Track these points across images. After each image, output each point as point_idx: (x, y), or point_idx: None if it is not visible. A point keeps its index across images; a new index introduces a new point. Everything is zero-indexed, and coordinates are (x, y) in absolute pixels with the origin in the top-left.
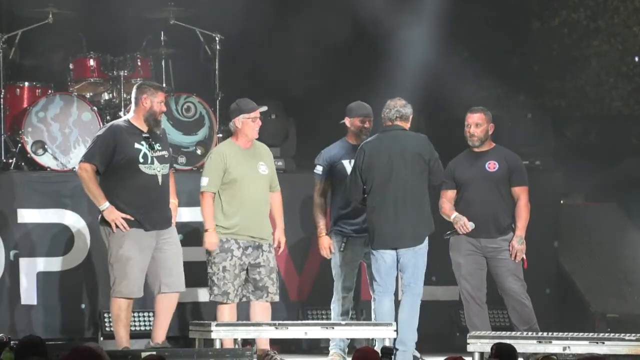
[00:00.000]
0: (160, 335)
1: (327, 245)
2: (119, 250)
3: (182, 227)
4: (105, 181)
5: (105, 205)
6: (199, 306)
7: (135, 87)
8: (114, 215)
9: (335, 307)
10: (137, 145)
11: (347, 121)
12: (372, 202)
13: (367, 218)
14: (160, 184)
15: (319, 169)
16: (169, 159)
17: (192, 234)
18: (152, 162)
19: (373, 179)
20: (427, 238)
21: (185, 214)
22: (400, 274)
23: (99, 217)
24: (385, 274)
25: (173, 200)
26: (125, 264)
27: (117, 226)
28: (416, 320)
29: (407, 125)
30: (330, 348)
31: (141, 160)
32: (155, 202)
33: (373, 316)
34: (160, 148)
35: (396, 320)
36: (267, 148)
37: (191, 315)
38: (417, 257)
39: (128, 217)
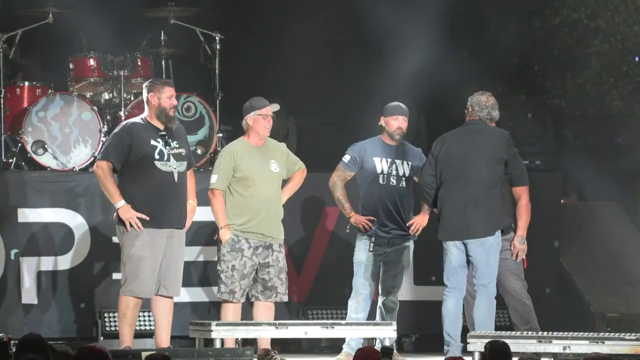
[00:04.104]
0: (164, 339)
1: (362, 219)
2: (131, 249)
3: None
4: (121, 179)
5: (120, 203)
6: (200, 305)
7: (143, 86)
8: (128, 214)
9: (352, 304)
10: (152, 142)
11: (382, 120)
12: (444, 193)
13: (438, 209)
14: (176, 181)
15: (346, 158)
16: (186, 157)
17: (194, 233)
18: (169, 159)
19: (448, 170)
20: (498, 237)
21: None
22: (472, 272)
23: (114, 215)
24: (452, 272)
25: (192, 202)
26: (138, 263)
27: (131, 225)
28: (493, 322)
29: (492, 125)
30: (343, 346)
31: (157, 157)
32: (171, 200)
33: (377, 316)
34: (177, 145)
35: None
36: (280, 145)
37: (193, 315)
38: (488, 253)
39: (143, 216)
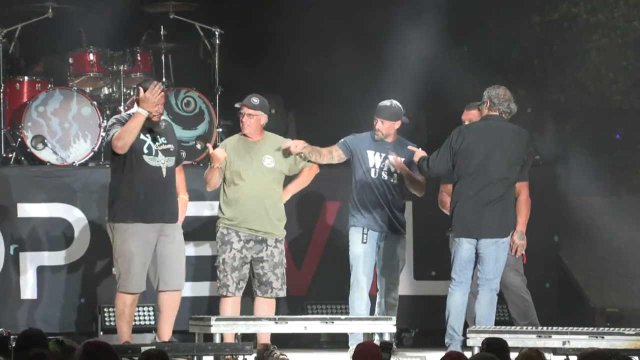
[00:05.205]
0: (165, 332)
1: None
2: (122, 245)
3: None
4: (112, 175)
5: (140, 110)
6: (200, 301)
7: (136, 85)
8: (146, 97)
9: (355, 297)
10: (142, 136)
11: None
12: (461, 189)
13: (452, 204)
14: (164, 176)
15: (341, 140)
16: (174, 153)
17: (193, 229)
18: (157, 155)
19: (466, 165)
20: (510, 236)
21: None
22: (478, 266)
23: (110, 200)
24: (461, 267)
25: (183, 196)
26: (130, 259)
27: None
28: (494, 317)
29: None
30: (350, 343)
31: (145, 151)
32: (160, 195)
33: (377, 310)
34: (165, 141)
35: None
36: (281, 140)
37: (193, 310)
38: (498, 251)
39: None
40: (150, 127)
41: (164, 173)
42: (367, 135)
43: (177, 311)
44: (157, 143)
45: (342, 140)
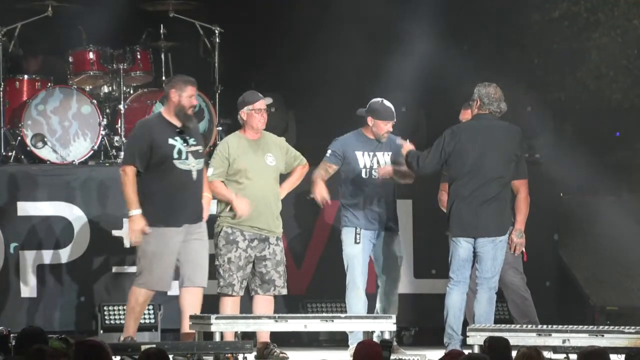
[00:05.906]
0: (186, 326)
1: (321, 191)
2: (146, 245)
3: None
4: (140, 178)
5: (136, 212)
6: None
7: (167, 80)
8: (137, 225)
9: (352, 297)
10: (171, 141)
11: (369, 120)
12: (457, 189)
13: (449, 204)
14: (194, 179)
15: (328, 152)
16: (203, 154)
17: None
18: (187, 158)
19: (461, 165)
20: (507, 235)
21: None
22: (476, 265)
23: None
24: (459, 266)
25: (207, 194)
26: (151, 259)
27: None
28: (493, 316)
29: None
30: (349, 342)
31: (175, 156)
32: (189, 198)
33: (377, 307)
34: (194, 143)
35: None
36: (278, 139)
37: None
38: (496, 249)
39: (148, 231)
40: (180, 128)
41: (194, 176)
42: (352, 136)
43: (199, 309)
44: (186, 145)
45: (328, 151)
